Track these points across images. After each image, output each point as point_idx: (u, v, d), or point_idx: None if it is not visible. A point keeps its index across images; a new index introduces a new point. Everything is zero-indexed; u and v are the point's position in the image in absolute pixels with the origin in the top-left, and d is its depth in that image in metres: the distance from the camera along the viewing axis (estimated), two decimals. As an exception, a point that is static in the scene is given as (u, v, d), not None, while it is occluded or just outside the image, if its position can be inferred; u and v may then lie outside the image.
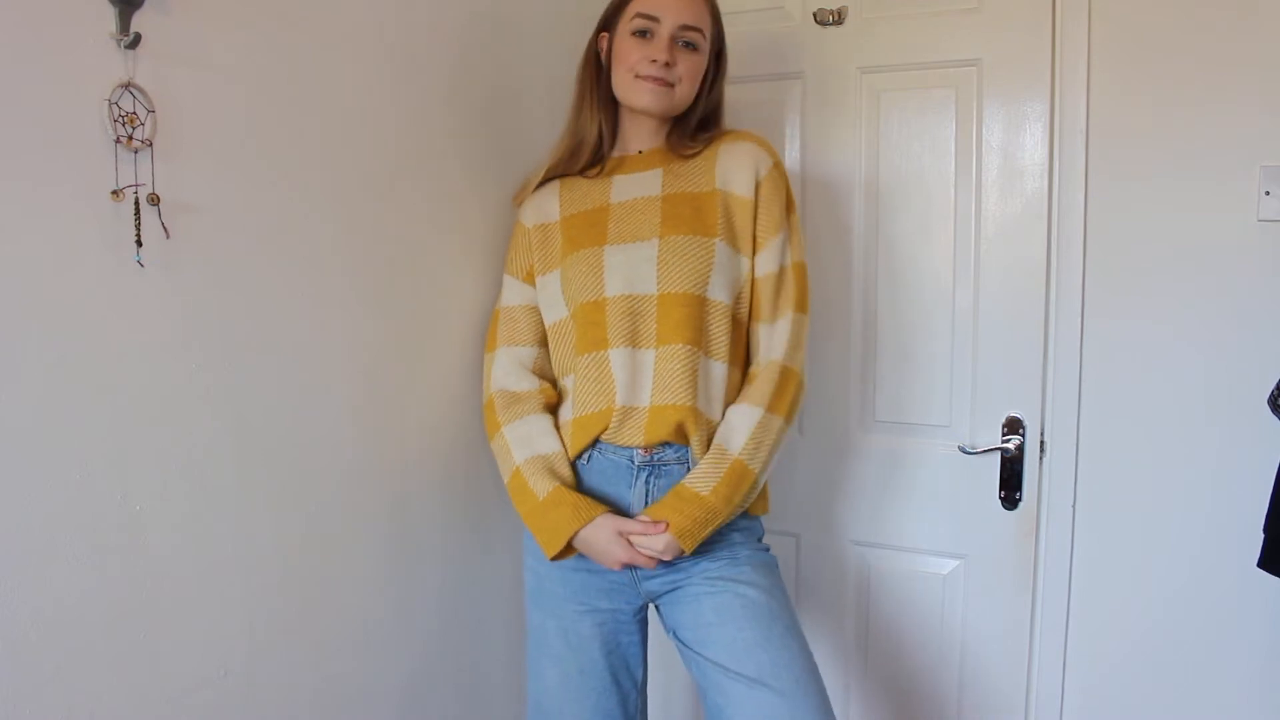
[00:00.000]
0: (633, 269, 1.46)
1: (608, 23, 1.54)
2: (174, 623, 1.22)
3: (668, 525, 1.37)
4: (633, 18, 1.48)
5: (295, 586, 1.39)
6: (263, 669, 1.35)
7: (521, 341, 1.59)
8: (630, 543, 1.39)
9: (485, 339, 1.66)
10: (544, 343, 1.60)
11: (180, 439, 1.22)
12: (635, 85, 1.48)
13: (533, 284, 1.59)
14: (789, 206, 1.53)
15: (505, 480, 1.51)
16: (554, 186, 1.60)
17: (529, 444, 1.48)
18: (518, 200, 1.65)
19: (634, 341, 1.45)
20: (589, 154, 1.56)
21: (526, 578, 1.56)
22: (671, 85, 1.48)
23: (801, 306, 1.50)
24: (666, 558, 1.39)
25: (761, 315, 1.50)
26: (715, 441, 1.44)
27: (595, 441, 1.47)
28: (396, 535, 1.57)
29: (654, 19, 1.47)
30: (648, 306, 1.45)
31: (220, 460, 1.27)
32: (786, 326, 1.48)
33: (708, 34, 1.51)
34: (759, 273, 1.49)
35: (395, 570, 1.58)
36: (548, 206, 1.58)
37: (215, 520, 1.27)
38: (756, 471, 1.42)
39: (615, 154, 1.59)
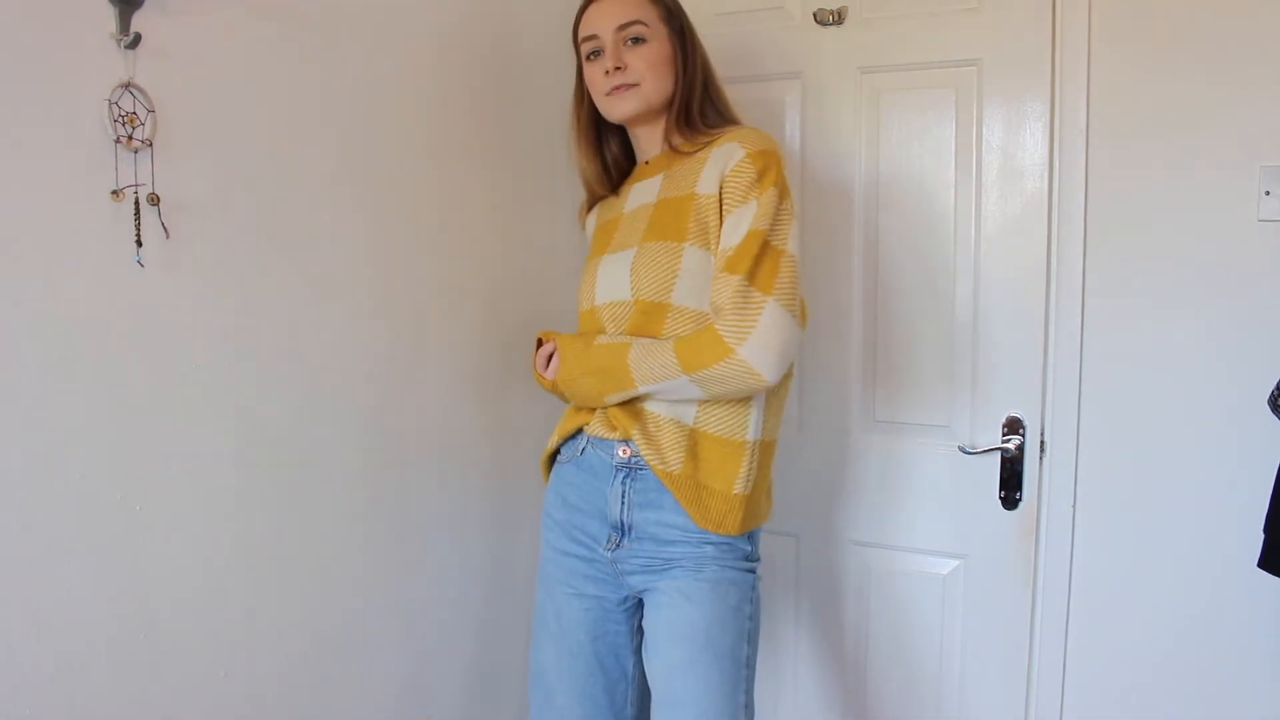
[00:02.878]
0: (614, 277, 1.48)
1: (579, 63, 1.56)
2: (174, 623, 1.22)
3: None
4: (581, 44, 1.52)
5: (295, 586, 1.39)
6: (263, 669, 1.35)
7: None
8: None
9: None
10: None
11: (180, 439, 1.22)
12: (606, 103, 1.50)
13: None
14: (761, 183, 1.37)
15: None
16: (597, 205, 1.65)
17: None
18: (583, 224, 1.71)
19: None
20: (596, 185, 1.61)
21: (540, 556, 1.59)
22: (635, 85, 1.46)
23: (732, 268, 1.33)
24: (541, 356, 1.53)
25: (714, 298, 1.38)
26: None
27: (579, 431, 1.50)
28: (397, 535, 1.57)
29: (593, 36, 1.49)
30: (625, 313, 1.46)
31: (220, 460, 1.27)
32: (723, 288, 1.34)
33: (652, 19, 1.48)
34: (720, 256, 1.38)
35: (396, 570, 1.58)
36: (590, 225, 1.65)
37: (215, 520, 1.27)
38: (630, 364, 1.38)
39: (639, 164, 1.60)
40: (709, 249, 1.41)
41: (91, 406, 1.12)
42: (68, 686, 1.11)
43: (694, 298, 1.41)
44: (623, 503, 1.45)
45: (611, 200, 1.61)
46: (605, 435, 1.47)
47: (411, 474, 1.59)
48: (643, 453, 1.41)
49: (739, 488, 1.42)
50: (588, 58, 1.51)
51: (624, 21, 1.47)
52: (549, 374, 1.52)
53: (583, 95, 1.57)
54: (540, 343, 1.57)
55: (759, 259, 1.33)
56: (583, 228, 1.69)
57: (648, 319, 1.44)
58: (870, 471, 1.92)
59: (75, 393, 1.10)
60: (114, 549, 1.15)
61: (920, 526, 1.88)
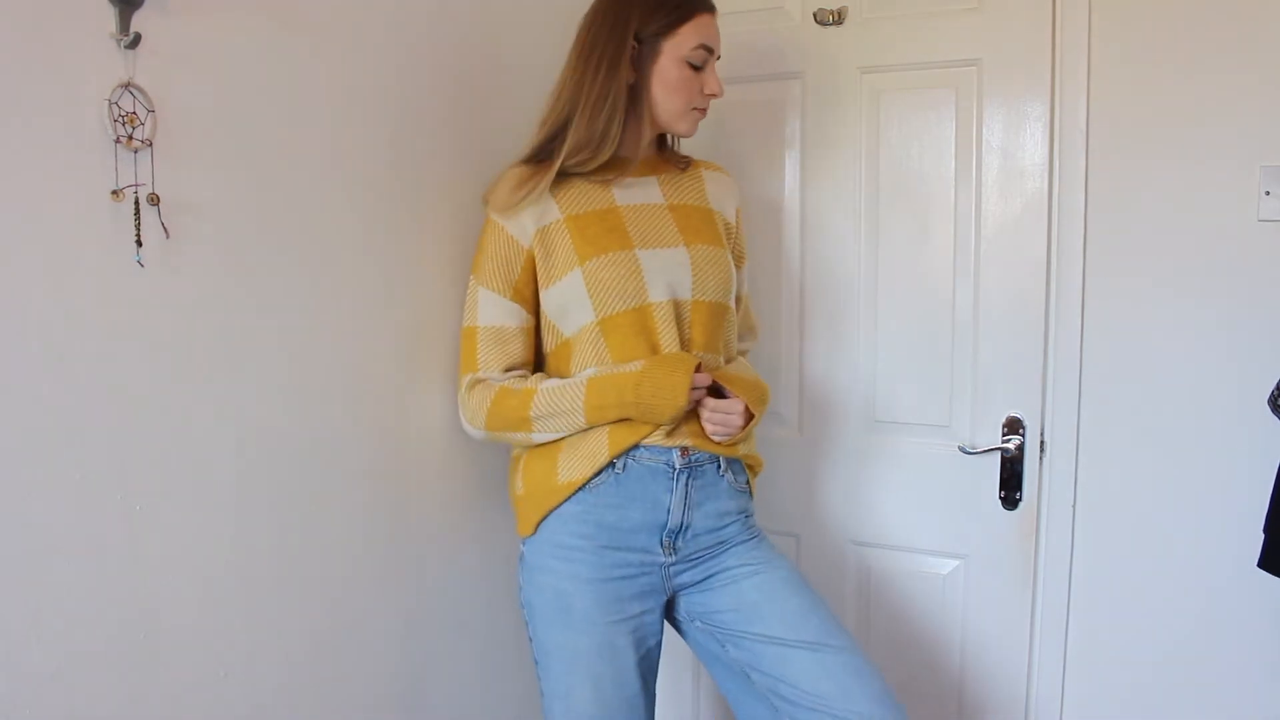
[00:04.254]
0: (672, 274, 1.47)
1: (646, 35, 1.46)
2: (174, 623, 1.22)
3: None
4: (694, 48, 1.47)
5: (295, 586, 1.39)
6: (263, 669, 1.35)
7: (519, 364, 1.52)
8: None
9: (460, 362, 1.54)
10: (535, 364, 1.56)
11: (180, 439, 1.22)
12: (688, 116, 1.52)
13: (523, 300, 1.50)
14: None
15: (581, 403, 1.42)
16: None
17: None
18: (503, 203, 1.48)
19: (683, 348, 1.47)
20: (591, 163, 1.47)
21: (540, 599, 1.47)
22: (705, 110, 1.55)
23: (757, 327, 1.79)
24: (738, 422, 1.45)
25: (743, 329, 1.71)
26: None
27: (635, 445, 1.44)
28: (397, 535, 1.57)
29: (710, 50, 1.50)
30: (687, 312, 1.48)
31: (220, 460, 1.27)
32: (750, 345, 1.76)
33: None
34: (743, 290, 1.69)
35: (395, 570, 1.57)
36: (543, 210, 1.49)
37: (215, 520, 1.27)
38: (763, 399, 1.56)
39: (620, 159, 1.54)
40: (734, 261, 1.60)
41: (91, 407, 1.12)
42: (68, 686, 1.11)
43: (732, 300, 1.57)
44: (685, 504, 1.46)
45: (577, 183, 1.49)
46: (663, 443, 1.44)
47: (413, 474, 1.59)
48: (742, 449, 1.52)
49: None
50: (692, 65, 1.48)
51: (719, 48, 1.53)
52: (736, 419, 1.45)
53: (624, 75, 1.45)
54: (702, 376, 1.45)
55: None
56: (504, 207, 1.48)
57: (719, 320, 1.53)
58: (870, 471, 1.92)
59: (75, 393, 1.10)
60: (114, 549, 1.15)
61: (920, 526, 1.88)
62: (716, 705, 2.08)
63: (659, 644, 1.51)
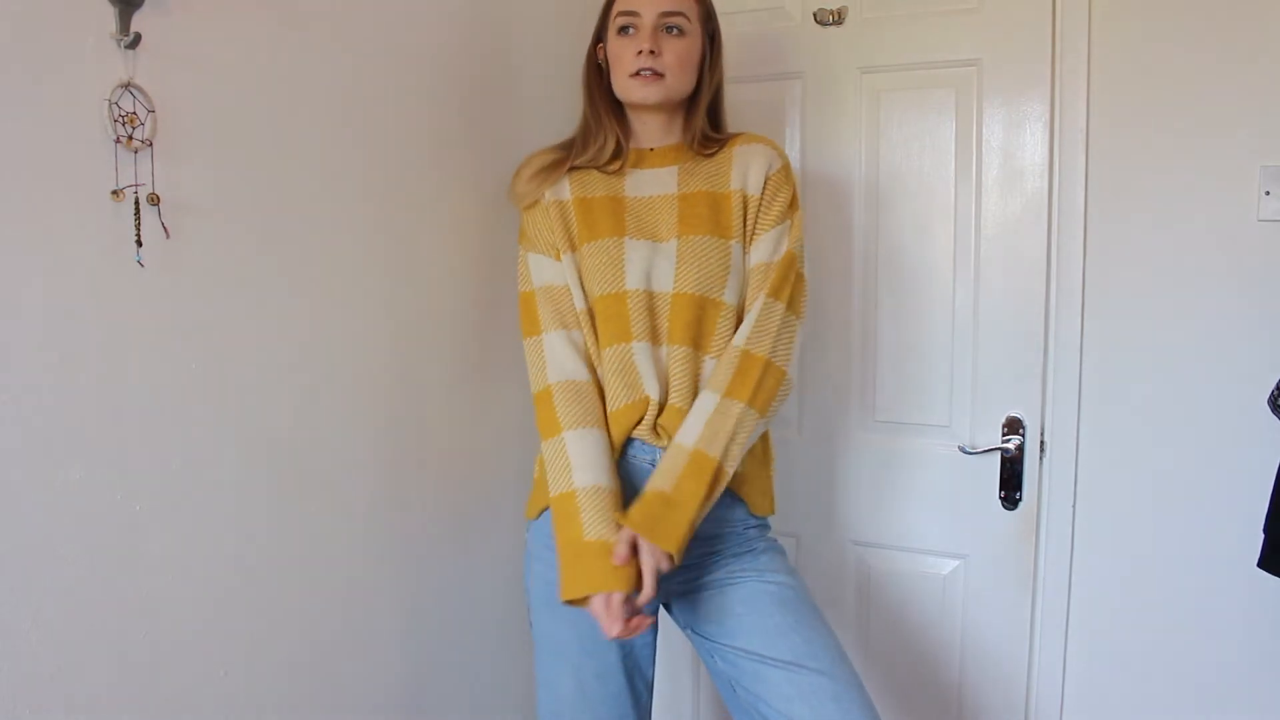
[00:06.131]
0: (652, 265, 1.45)
1: (600, 32, 1.54)
2: (174, 622, 1.22)
3: (642, 553, 1.32)
4: (617, 15, 1.49)
5: (295, 586, 1.39)
6: (263, 669, 1.35)
7: (572, 324, 1.48)
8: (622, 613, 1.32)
9: (521, 325, 1.52)
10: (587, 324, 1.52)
11: (180, 439, 1.22)
12: (629, 84, 1.47)
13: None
14: (792, 204, 1.51)
15: (553, 490, 1.41)
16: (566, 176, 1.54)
17: (592, 468, 1.39)
18: (519, 194, 1.53)
19: (653, 338, 1.44)
20: (610, 156, 1.52)
21: (535, 586, 1.51)
22: (661, 75, 1.45)
23: (776, 293, 1.44)
24: (665, 568, 1.33)
25: (748, 306, 1.48)
26: (674, 438, 1.39)
27: (629, 438, 1.44)
28: (397, 535, 1.57)
29: (634, 13, 1.46)
30: (662, 304, 1.45)
31: (220, 460, 1.27)
32: (754, 312, 1.44)
33: (693, 15, 1.49)
34: (751, 263, 1.48)
35: (396, 570, 1.57)
36: (559, 189, 1.52)
37: (215, 520, 1.27)
38: (718, 459, 1.37)
39: (630, 148, 1.56)
40: (745, 246, 1.49)
41: (91, 406, 1.12)
42: (68, 686, 1.11)
43: (734, 295, 1.47)
44: None
45: (592, 173, 1.52)
46: (652, 441, 1.43)
47: (413, 474, 1.59)
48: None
49: (771, 472, 1.55)
50: (619, 31, 1.48)
51: (668, 9, 1.46)
52: (654, 559, 1.32)
53: (599, 71, 1.54)
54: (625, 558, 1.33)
55: (794, 284, 1.47)
56: (533, 193, 1.52)
57: (704, 314, 1.44)
58: (870, 471, 1.92)
59: (75, 392, 1.10)
60: (114, 549, 1.15)
61: (920, 526, 1.88)
62: (716, 705, 2.08)
63: (648, 645, 1.50)
